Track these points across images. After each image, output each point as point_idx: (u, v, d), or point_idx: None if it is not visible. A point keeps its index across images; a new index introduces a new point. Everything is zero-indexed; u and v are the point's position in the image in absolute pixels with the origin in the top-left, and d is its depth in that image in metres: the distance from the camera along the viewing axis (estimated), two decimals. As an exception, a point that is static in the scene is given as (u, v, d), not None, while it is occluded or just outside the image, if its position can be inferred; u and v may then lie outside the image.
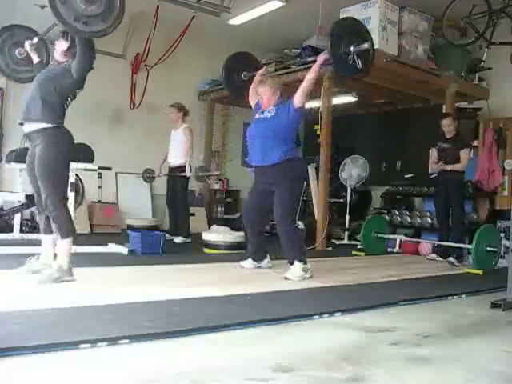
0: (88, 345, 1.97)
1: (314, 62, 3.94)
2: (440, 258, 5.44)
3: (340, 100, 7.47)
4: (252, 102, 4.36)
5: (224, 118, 8.81)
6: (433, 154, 5.65)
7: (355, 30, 3.93)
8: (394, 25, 5.90)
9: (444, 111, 6.31)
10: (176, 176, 5.98)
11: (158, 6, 6.69)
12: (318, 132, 6.46)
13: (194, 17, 6.80)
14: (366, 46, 3.80)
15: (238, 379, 1.74)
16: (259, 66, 4.61)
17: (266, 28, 7.42)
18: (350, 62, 3.74)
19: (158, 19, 6.91)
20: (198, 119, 8.25)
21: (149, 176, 6.60)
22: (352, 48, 3.76)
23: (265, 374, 1.79)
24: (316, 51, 6.52)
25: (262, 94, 4.08)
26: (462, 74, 6.83)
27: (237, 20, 7.09)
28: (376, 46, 5.67)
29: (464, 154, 5.33)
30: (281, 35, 7.64)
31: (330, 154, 6.34)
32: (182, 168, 5.98)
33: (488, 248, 4.75)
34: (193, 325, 2.31)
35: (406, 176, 7.43)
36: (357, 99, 7.63)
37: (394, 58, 5.93)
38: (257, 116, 4.13)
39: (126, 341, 2.06)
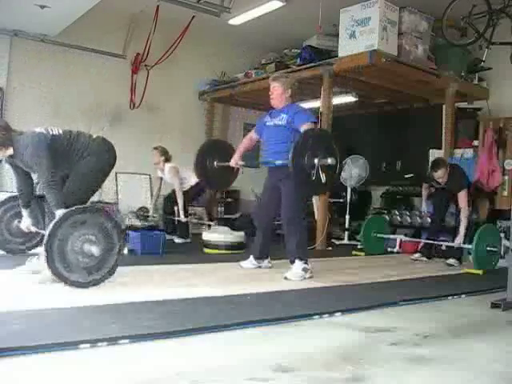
0: (88, 345, 1.97)
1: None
2: (425, 259, 5.44)
3: (340, 100, 7.47)
4: (254, 135, 4.33)
5: (224, 117, 8.81)
6: (425, 191, 5.64)
7: (322, 143, 3.68)
8: (394, 25, 5.90)
9: (434, 159, 5.89)
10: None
11: (158, 6, 6.69)
12: (318, 132, 6.46)
13: (194, 17, 6.80)
14: (329, 161, 3.55)
15: (238, 379, 1.74)
16: (231, 154, 4.36)
17: (266, 28, 7.42)
18: (313, 178, 3.52)
19: (157, 19, 6.91)
20: (198, 119, 8.27)
21: (142, 214, 6.66)
22: (316, 161, 3.54)
23: (265, 373, 1.79)
24: (316, 51, 6.54)
25: (273, 89, 4.04)
26: (462, 73, 6.83)
27: (237, 20, 7.08)
28: (376, 46, 5.71)
29: (462, 196, 5.05)
30: (281, 35, 7.64)
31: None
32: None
33: (488, 248, 4.74)
34: (193, 325, 2.31)
35: (406, 176, 7.43)
36: (357, 99, 7.63)
37: (394, 58, 5.93)
38: (268, 123, 4.11)
39: (126, 341, 2.06)
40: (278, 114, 4.04)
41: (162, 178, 6.29)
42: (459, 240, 5.00)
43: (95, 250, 2.70)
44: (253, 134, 4.33)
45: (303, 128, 3.77)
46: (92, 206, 3.11)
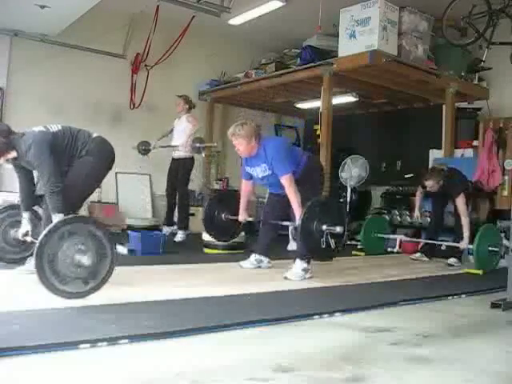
0: (88, 345, 1.97)
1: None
2: (425, 258, 5.45)
3: (340, 100, 7.47)
4: (247, 182, 4.32)
5: (224, 117, 8.81)
6: (418, 196, 5.56)
7: (330, 211, 3.69)
8: (394, 25, 5.91)
9: (432, 167, 5.85)
10: (179, 160, 6.02)
11: (158, 6, 6.70)
12: (318, 132, 6.46)
13: (193, 17, 6.80)
14: (337, 229, 3.58)
15: (238, 379, 1.74)
16: (238, 208, 4.40)
17: (266, 28, 7.42)
18: (324, 246, 3.55)
19: (157, 19, 6.92)
20: (198, 119, 8.25)
21: (144, 148, 6.53)
22: (324, 227, 3.56)
23: (265, 373, 1.79)
24: (316, 51, 6.55)
25: (237, 145, 3.98)
26: (462, 73, 6.84)
27: (237, 20, 7.09)
28: (376, 46, 5.71)
29: (460, 202, 5.02)
30: (281, 35, 7.65)
31: (330, 154, 6.35)
32: (186, 160, 6.00)
33: (490, 248, 4.73)
34: (193, 325, 2.31)
35: (406, 176, 7.43)
36: (357, 99, 7.63)
37: (394, 58, 5.93)
38: (252, 173, 4.08)
39: (126, 341, 2.06)
40: (256, 162, 3.99)
41: (172, 129, 6.24)
42: (464, 244, 4.98)
43: (86, 259, 2.69)
44: (245, 182, 4.28)
45: (283, 182, 3.78)
46: (82, 216, 3.11)
